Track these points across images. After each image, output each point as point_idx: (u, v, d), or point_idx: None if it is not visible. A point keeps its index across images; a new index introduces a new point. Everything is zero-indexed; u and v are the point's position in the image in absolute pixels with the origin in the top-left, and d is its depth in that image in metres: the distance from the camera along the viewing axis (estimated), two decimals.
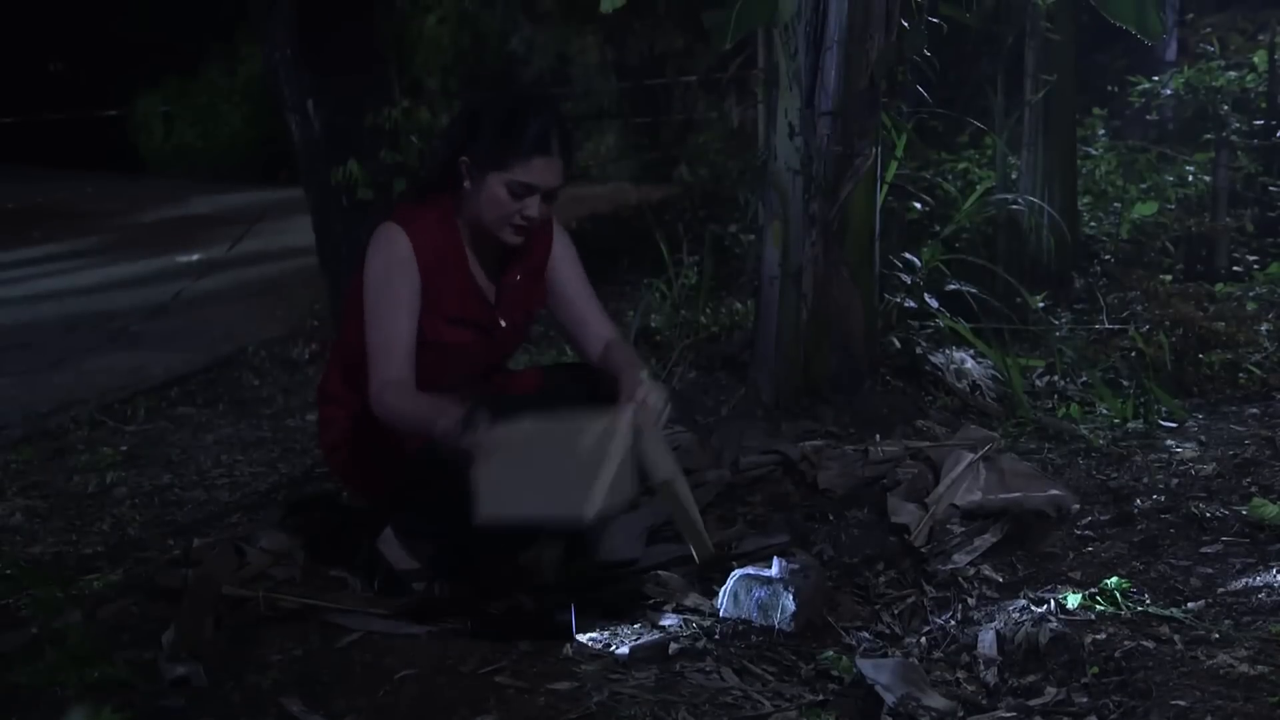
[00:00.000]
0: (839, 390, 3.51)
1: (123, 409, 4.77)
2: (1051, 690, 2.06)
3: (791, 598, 2.35)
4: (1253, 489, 2.79)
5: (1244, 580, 2.33)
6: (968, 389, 3.74)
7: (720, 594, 2.43)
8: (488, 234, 2.40)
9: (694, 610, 2.42)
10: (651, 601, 2.46)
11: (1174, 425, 3.45)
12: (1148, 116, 7.08)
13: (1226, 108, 6.09)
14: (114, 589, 2.59)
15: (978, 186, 5.49)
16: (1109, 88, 7.77)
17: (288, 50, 5.30)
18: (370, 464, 2.45)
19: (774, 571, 2.42)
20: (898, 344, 3.83)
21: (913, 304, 3.98)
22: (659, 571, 2.54)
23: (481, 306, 2.46)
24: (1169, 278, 5.23)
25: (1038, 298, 4.62)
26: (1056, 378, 3.99)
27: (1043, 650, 2.16)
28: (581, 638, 2.28)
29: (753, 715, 2.02)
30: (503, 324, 2.49)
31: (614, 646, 2.26)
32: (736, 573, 2.44)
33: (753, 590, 2.39)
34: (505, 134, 2.31)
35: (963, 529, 2.72)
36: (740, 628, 2.34)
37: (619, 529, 2.65)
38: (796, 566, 2.43)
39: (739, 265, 5.61)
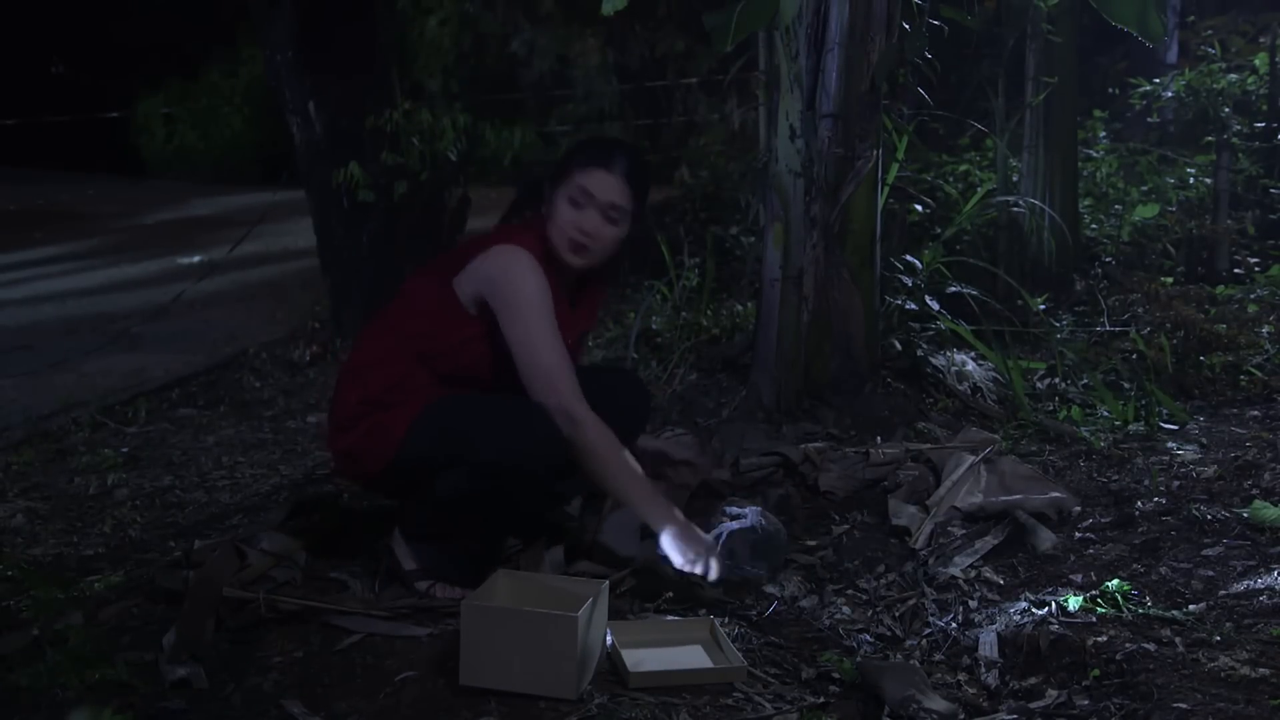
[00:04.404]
0: (840, 392, 3.51)
1: (124, 410, 4.78)
2: (1053, 693, 2.06)
3: (783, 535, 2.59)
4: (1254, 491, 2.79)
5: (1245, 583, 2.32)
6: (969, 391, 3.74)
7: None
8: (559, 259, 2.47)
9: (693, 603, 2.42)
10: (656, 604, 2.46)
11: (1175, 428, 3.45)
12: (1149, 119, 7.09)
13: (1227, 110, 6.09)
14: (115, 591, 2.59)
15: (979, 189, 5.50)
16: (1110, 90, 7.78)
17: (289, 52, 5.31)
18: (371, 450, 2.44)
19: (753, 520, 2.54)
20: (899, 346, 3.83)
21: (914, 306, 3.98)
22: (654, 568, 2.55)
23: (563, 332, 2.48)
24: (1170, 280, 5.23)
25: (1039, 300, 4.62)
26: (1057, 380, 3.99)
27: (1044, 653, 2.16)
28: None
29: (754, 717, 2.02)
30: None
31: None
32: (723, 530, 2.49)
33: (747, 540, 2.49)
34: (571, 150, 2.48)
35: (963, 531, 2.72)
36: (741, 629, 2.34)
37: (615, 526, 2.65)
38: (763, 509, 2.62)
39: (740, 267, 5.62)
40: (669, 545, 2.32)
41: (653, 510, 2.35)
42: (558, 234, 2.43)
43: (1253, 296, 4.88)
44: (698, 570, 2.32)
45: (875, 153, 3.49)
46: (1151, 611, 2.24)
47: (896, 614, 2.47)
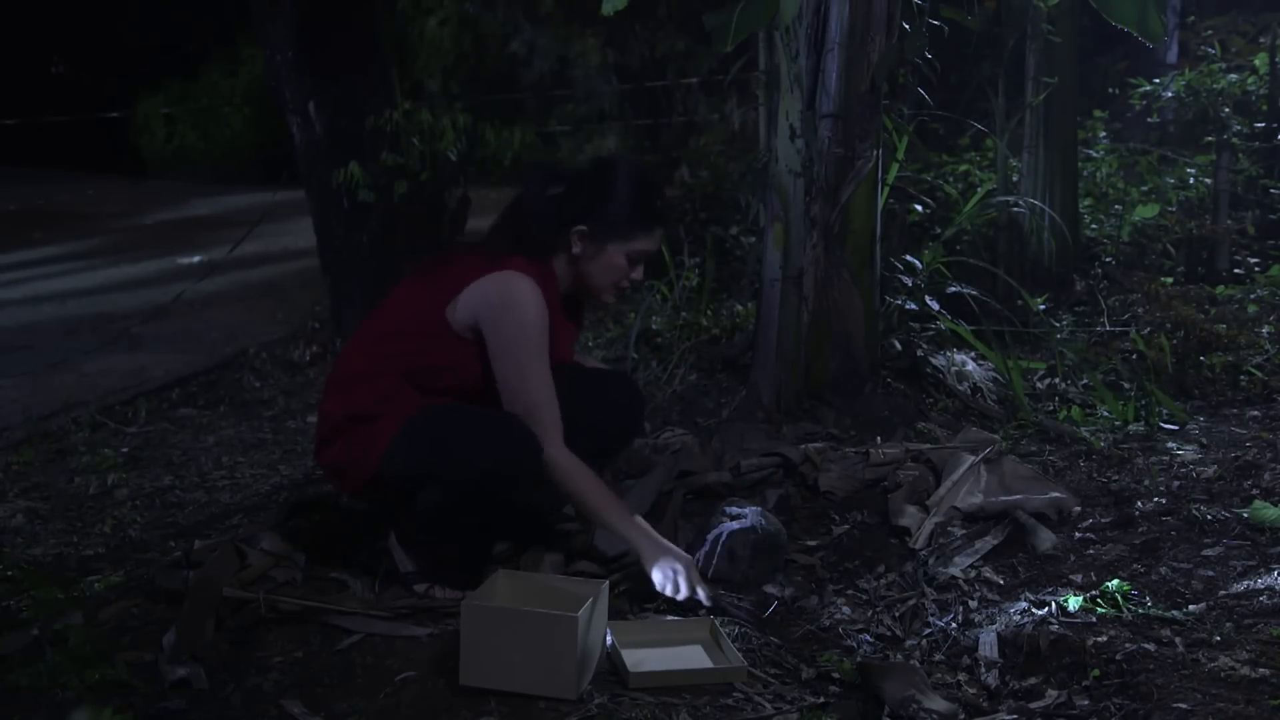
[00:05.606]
0: (840, 392, 3.51)
1: (124, 411, 4.78)
2: (1052, 693, 2.06)
3: (783, 535, 2.60)
4: (1254, 492, 2.79)
5: (1245, 583, 2.32)
6: (969, 391, 3.74)
7: (712, 555, 2.50)
8: (583, 292, 2.54)
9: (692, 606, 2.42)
10: (656, 605, 2.46)
11: (1175, 428, 3.45)
12: (1149, 119, 7.08)
13: (1227, 110, 6.08)
14: (115, 591, 2.59)
15: (979, 189, 5.49)
16: (1110, 90, 7.78)
17: (289, 53, 5.31)
18: (355, 463, 2.44)
19: (753, 520, 2.57)
20: (899, 346, 3.83)
21: (914, 306, 3.98)
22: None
23: (555, 354, 2.50)
24: (1170, 280, 5.22)
25: (1039, 300, 4.62)
26: (1057, 380, 3.99)
27: (1044, 653, 2.16)
28: None
29: (754, 717, 2.02)
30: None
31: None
32: (723, 530, 2.52)
33: (747, 540, 2.52)
34: (632, 208, 2.46)
35: (963, 531, 2.72)
36: (741, 629, 2.34)
37: None
38: (763, 509, 2.64)
39: (740, 267, 5.62)
40: (649, 567, 2.37)
41: (630, 534, 2.40)
42: (603, 281, 2.48)
43: (1253, 296, 4.88)
44: (679, 596, 2.34)
45: (875, 153, 3.49)
46: (1151, 611, 2.24)
47: (896, 614, 2.47)
